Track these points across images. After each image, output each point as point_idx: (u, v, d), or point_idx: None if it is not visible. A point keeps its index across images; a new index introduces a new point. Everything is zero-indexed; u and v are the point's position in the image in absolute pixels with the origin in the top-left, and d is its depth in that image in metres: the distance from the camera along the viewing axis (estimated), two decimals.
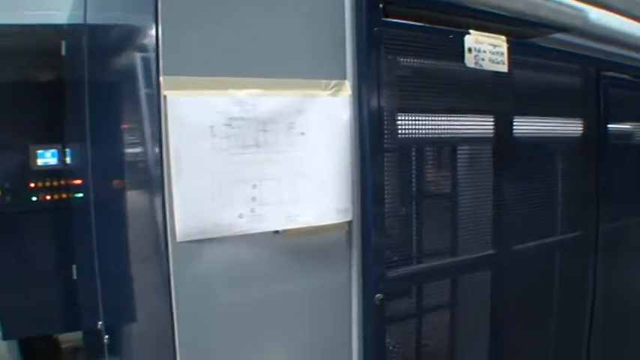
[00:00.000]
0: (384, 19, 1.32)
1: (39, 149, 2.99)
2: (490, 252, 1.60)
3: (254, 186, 1.22)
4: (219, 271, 1.22)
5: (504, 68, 1.50)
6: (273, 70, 1.24)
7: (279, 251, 1.27)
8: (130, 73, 1.38)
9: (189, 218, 1.17)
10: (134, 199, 1.54)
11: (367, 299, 1.34)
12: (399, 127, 1.37)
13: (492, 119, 1.55)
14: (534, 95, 1.64)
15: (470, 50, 1.43)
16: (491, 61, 1.47)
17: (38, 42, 2.74)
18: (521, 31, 1.57)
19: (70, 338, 3.50)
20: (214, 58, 1.19)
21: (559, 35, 1.63)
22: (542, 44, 1.66)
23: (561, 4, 1.52)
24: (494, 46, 1.48)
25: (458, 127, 1.46)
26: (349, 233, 1.34)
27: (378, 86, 1.31)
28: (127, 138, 1.51)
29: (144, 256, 1.44)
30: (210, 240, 1.19)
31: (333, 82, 1.30)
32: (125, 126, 1.53)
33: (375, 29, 1.31)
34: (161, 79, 1.14)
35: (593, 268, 1.95)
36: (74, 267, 2.67)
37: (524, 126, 1.64)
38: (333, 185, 1.29)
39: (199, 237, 1.18)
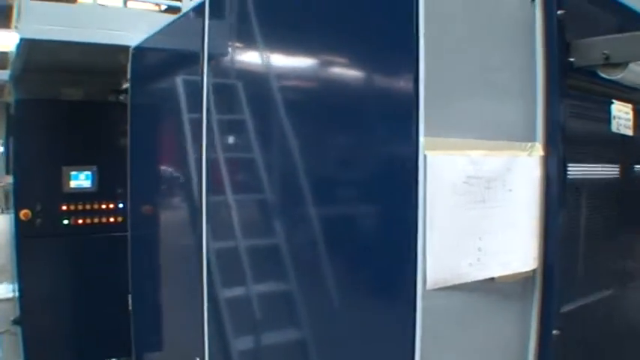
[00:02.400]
0: (570, 92, 1.52)
1: (72, 171, 2.85)
2: None
3: (480, 238, 1.36)
4: (450, 313, 1.35)
5: (630, 132, 1.75)
6: (489, 134, 1.40)
7: (490, 294, 1.42)
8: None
9: (437, 268, 1.28)
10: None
11: (545, 334, 1.52)
12: (572, 179, 1.58)
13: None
14: None
15: (614, 117, 1.67)
16: (625, 126, 1.72)
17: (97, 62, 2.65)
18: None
19: None
20: (453, 121, 1.33)
21: None
22: None
23: None
24: (626, 112, 1.73)
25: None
26: (532, 277, 1.51)
27: (562, 147, 1.51)
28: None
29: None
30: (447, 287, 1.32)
31: (529, 144, 1.48)
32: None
33: (562, 102, 1.50)
34: (421, 139, 1.26)
35: None
36: (129, 297, 2.56)
37: None
38: (530, 235, 1.46)
39: (442, 285, 1.30)
